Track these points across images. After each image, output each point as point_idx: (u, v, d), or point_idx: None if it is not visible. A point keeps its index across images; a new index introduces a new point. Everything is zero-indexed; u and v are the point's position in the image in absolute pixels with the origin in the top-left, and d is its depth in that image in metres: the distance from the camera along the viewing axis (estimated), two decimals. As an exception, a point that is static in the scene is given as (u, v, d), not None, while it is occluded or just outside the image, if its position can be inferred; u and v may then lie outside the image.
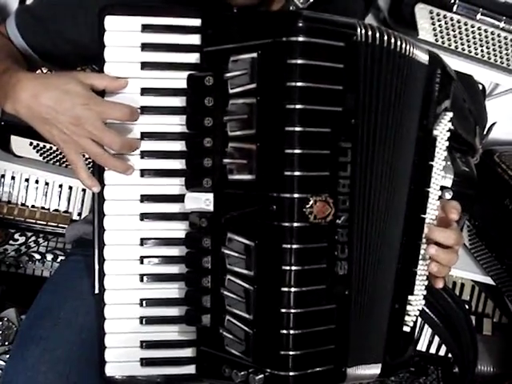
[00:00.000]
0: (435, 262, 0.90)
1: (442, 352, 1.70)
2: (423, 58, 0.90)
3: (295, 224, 0.77)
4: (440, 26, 1.41)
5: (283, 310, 0.77)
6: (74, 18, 0.98)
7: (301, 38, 0.76)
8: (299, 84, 0.76)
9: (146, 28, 0.87)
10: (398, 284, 0.91)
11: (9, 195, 1.66)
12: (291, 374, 0.78)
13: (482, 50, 1.45)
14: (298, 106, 0.76)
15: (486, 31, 1.43)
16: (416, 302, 0.92)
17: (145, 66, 0.87)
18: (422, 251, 0.91)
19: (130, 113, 0.83)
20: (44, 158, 1.60)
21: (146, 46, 0.87)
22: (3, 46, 1.00)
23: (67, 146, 0.84)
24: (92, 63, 1.21)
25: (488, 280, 1.67)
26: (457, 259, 0.91)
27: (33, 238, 1.68)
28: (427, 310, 1.34)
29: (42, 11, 1.01)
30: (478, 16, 1.41)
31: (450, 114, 0.92)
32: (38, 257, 1.67)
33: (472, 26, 1.42)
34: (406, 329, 0.93)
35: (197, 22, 0.87)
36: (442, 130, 0.92)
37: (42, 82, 0.83)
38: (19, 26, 1.01)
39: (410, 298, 0.92)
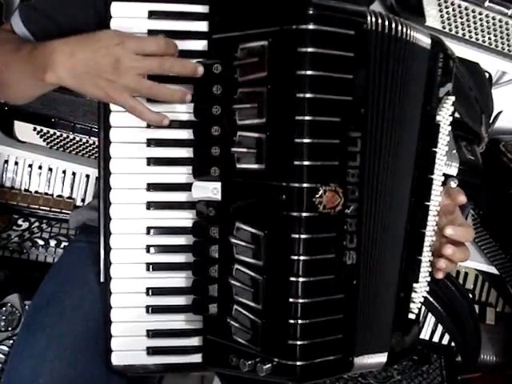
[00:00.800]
0: (447, 259, 0.90)
1: (445, 341, 1.70)
2: (425, 41, 0.89)
3: (304, 214, 0.77)
4: (447, 12, 1.40)
5: (291, 300, 0.77)
6: (82, 7, 0.96)
7: (311, 26, 0.75)
8: (309, 72, 0.75)
9: (152, 14, 0.86)
10: (403, 272, 0.91)
11: (12, 181, 1.66)
12: (299, 363, 0.78)
13: (489, 38, 1.44)
14: (308, 95, 0.75)
15: (493, 18, 1.42)
16: (420, 289, 0.92)
17: (152, 53, 0.86)
18: (426, 238, 0.91)
19: (165, 44, 0.82)
20: (47, 144, 1.59)
21: (152, 33, 0.86)
22: (18, 37, 1.00)
23: (120, 94, 0.82)
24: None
25: (492, 269, 1.67)
26: (468, 256, 0.91)
27: (36, 224, 1.68)
28: (431, 299, 1.34)
29: (47, 4, 1.00)
30: (486, 3, 1.40)
31: (452, 98, 0.92)
32: (41, 242, 1.66)
33: (480, 14, 1.41)
34: (411, 316, 0.94)
35: (204, 9, 0.86)
36: (445, 115, 0.92)
37: (75, 41, 0.83)
38: (26, 23, 1.00)
39: (414, 285, 0.92)
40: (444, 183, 0.92)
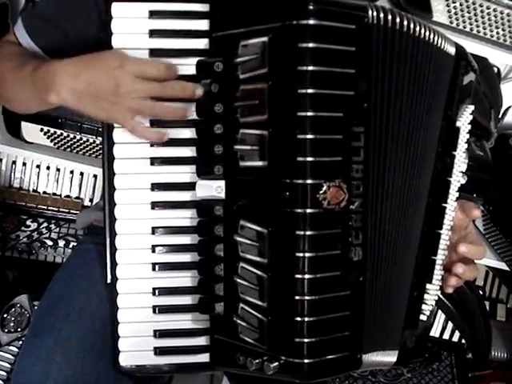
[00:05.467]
0: (457, 277, 0.91)
1: (455, 338, 1.69)
2: (449, 49, 0.90)
3: (308, 210, 0.76)
4: (455, 7, 1.39)
5: (297, 297, 0.77)
6: (85, 10, 0.96)
7: (312, 21, 0.75)
8: (311, 68, 0.75)
9: (153, 14, 0.86)
10: (418, 272, 0.91)
11: (20, 181, 1.67)
12: (306, 361, 0.78)
13: (497, 32, 1.42)
14: (309, 91, 0.75)
15: (501, 13, 1.41)
16: (433, 292, 0.92)
17: (153, 52, 0.86)
18: (441, 240, 0.91)
19: (165, 68, 0.83)
20: (55, 144, 1.60)
21: (153, 33, 0.86)
22: (23, 51, 1.00)
23: (122, 116, 0.83)
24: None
25: (502, 265, 1.66)
26: (477, 275, 0.92)
27: (45, 225, 1.68)
28: (441, 296, 1.34)
29: (49, 11, 1.00)
30: (494, -3, 1.39)
31: (471, 107, 0.93)
32: (49, 243, 1.67)
33: (487, 8, 1.40)
34: (423, 317, 0.94)
35: (205, 7, 0.86)
36: (464, 123, 0.92)
37: (78, 62, 0.84)
38: (30, 32, 1.00)
39: (427, 286, 0.92)
40: (459, 188, 0.92)
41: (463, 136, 0.92)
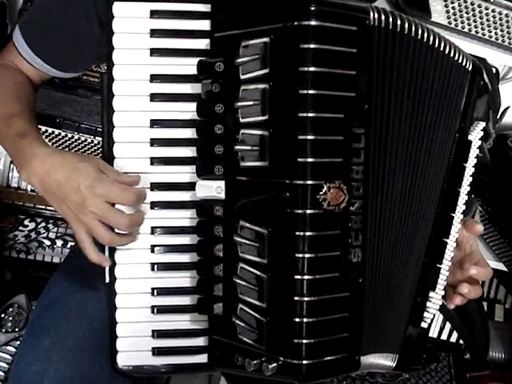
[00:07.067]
0: (461, 296, 0.93)
1: (453, 338, 1.69)
2: (464, 62, 0.91)
3: (308, 211, 0.76)
4: (453, 8, 1.39)
5: (296, 298, 0.77)
6: (84, 12, 0.95)
7: (313, 22, 0.75)
8: (312, 69, 0.75)
9: (154, 14, 0.86)
10: (422, 278, 0.92)
11: (18, 181, 1.65)
12: (305, 362, 0.78)
13: (495, 33, 1.43)
14: (310, 92, 0.75)
15: (500, 13, 1.41)
16: (435, 300, 0.93)
17: (154, 52, 0.86)
18: (447, 250, 0.92)
19: (136, 198, 0.84)
20: (53, 144, 1.58)
21: (154, 33, 0.86)
22: (18, 90, 0.99)
23: (75, 224, 0.85)
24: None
25: (500, 266, 1.65)
26: (480, 294, 0.94)
27: (42, 224, 1.67)
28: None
29: (48, 17, 0.99)
30: (492, -3, 1.39)
31: (482, 124, 0.93)
32: (47, 243, 1.66)
33: (486, 8, 1.40)
34: (424, 325, 0.94)
35: (206, 8, 0.86)
36: (475, 137, 0.92)
37: (58, 159, 0.84)
38: (29, 42, 0.99)
39: (430, 294, 0.93)
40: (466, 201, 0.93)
41: (474, 150, 0.92)
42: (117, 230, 0.85)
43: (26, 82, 1.02)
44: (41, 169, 0.84)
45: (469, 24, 1.41)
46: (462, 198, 0.92)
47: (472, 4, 1.39)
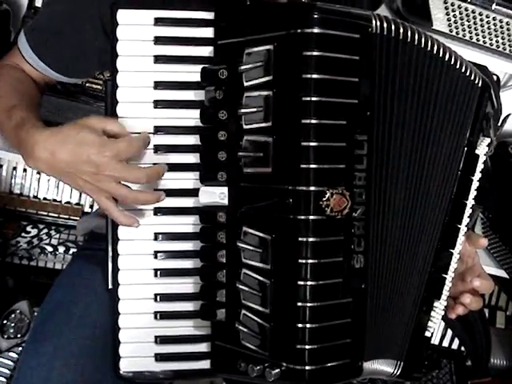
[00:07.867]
0: (463, 306, 0.94)
1: (454, 345, 1.69)
2: (473, 76, 0.91)
3: (311, 217, 0.76)
4: (454, 16, 1.40)
5: (299, 304, 0.77)
6: (89, 19, 0.97)
7: (316, 30, 0.75)
8: (315, 76, 0.75)
9: (158, 21, 0.86)
10: (428, 286, 0.92)
11: (21, 187, 1.66)
12: (307, 367, 0.78)
13: (496, 41, 1.43)
14: (313, 99, 0.75)
15: (501, 21, 1.42)
16: (439, 310, 0.93)
17: (158, 59, 0.87)
18: (452, 262, 0.92)
19: (142, 144, 0.84)
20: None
21: (158, 40, 0.87)
22: (18, 84, 1.00)
23: (96, 194, 0.84)
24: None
25: (502, 273, 1.66)
26: (481, 306, 0.95)
27: (45, 231, 1.68)
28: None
29: (53, 24, 1.00)
30: (493, 6, 1.39)
31: (488, 140, 0.94)
32: (50, 249, 1.67)
33: (487, 16, 1.41)
34: (427, 334, 0.94)
35: (210, 15, 0.87)
36: (481, 153, 0.93)
37: (57, 138, 0.83)
38: (33, 47, 1.00)
39: (435, 304, 0.93)
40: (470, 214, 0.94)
41: (480, 164, 0.93)
42: (137, 187, 0.84)
43: (27, 78, 1.02)
44: (45, 154, 0.82)
45: (470, 32, 1.42)
46: (467, 210, 0.93)
47: (473, 12, 1.40)
